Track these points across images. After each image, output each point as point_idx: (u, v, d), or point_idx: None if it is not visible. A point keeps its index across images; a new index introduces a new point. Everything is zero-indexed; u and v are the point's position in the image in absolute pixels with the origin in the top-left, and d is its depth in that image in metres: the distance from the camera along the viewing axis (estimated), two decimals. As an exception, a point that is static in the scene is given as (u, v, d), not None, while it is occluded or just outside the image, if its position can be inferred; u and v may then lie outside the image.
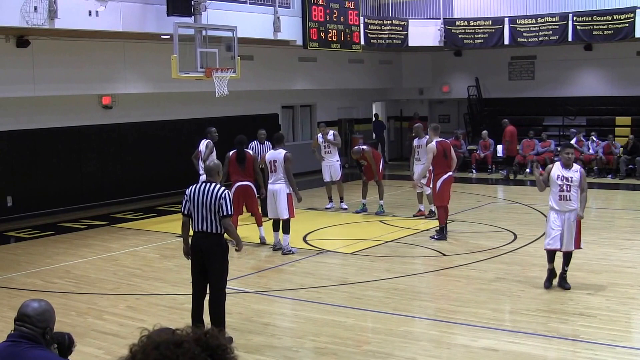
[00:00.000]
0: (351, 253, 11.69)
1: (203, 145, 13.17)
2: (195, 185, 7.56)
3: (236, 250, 7.87)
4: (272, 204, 11.73)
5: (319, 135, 16.02)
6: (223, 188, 7.50)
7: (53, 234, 13.92)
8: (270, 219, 12.00)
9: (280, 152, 11.66)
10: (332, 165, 15.68)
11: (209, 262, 7.44)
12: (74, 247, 12.71)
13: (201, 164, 12.97)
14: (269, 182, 11.82)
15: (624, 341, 7.36)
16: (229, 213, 7.35)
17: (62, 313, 8.32)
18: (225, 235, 7.57)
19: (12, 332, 3.74)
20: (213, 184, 7.48)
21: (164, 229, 13.89)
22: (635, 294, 8.97)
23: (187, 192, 7.54)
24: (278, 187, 11.61)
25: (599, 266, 10.36)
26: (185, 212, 7.54)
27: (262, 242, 12.30)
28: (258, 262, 11.34)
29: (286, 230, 11.63)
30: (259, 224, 12.38)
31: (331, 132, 16.04)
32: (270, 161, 11.71)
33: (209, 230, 7.39)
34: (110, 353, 7.30)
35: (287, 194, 11.60)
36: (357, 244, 12.36)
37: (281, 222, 11.65)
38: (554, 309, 8.35)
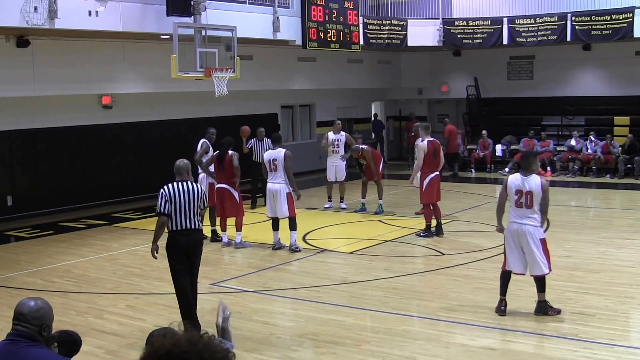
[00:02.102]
0: (350, 252, 11.72)
1: (199, 144, 13.15)
2: (172, 185, 7.69)
3: None
4: (271, 203, 11.76)
5: (330, 132, 15.88)
6: (198, 185, 7.91)
7: (53, 234, 13.94)
8: (269, 219, 12.03)
9: (280, 151, 11.70)
10: (338, 165, 15.63)
11: (194, 258, 7.80)
12: (74, 246, 12.74)
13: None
14: (269, 180, 11.84)
15: (622, 340, 7.39)
16: (208, 203, 7.88)
17: (62, 312, 8.36)
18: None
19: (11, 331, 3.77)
20: (190, 182, 7.76)
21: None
22: (634, 293, 9.00)
23: (165, 192, 7.65)
24: (278, 187, 11.64)
25: (598, 265, 10.40)
26: (165, 212, 7.64)
27: (224, 244, 12.28)
28: (257, 261, 11.36)
29: (293, 227, 11.68)
30: (238, 228, 12.14)
31: (343, 132, 15.95)
32: (270, 160, 11.74)
33: (194, 227, 7.68)
34: (110, 352, 7.34)
35: (287, 193, 11.64)
36: (356, 243, 12.39)
37: (288, 220, 11.67)
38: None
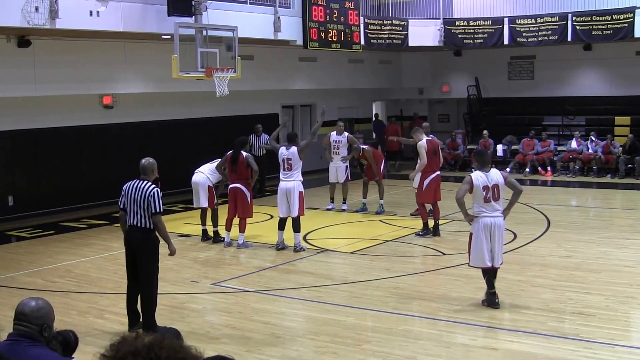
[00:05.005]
0: (351, 252, 11.72)
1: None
2: (130, 182, 7.95)
3: (168, 254, 8.09)
4: (283, 201, 11.75)
5: (333, 132, 15.80)
6: (153, 186, 7.85)
7: (54, 234, 13.95)
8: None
9: (293, 149, 11.71)
10: (339, 166, 15.58)
11: (138, 255, 7.87)
12: (75, 246, 12.75)
13: (214, 170, 12.73)
14: (282, 179, 11.81)
15: (623, 340, 7.39)
16: (158, 210, 7.75)
17: (63, 312, 8.36)
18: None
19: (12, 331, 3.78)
20: (145, 182, 7.86)
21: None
22: (634, 293, 8.99)
23: (123, 188, 7.98)
24: (292, 185, 11.66)
25: (598, 265, 10.40)
26: (121, 207, 7.98)
27: (226, 244, 12.28)
28: (259, 261, 11.36)
29: (297, 229, 11.70)
30: (241, 229, 12.13)
31: (345, 133, 15.83)
32: (284, 159, 11.75)
33: (139, 225, 7.81)
34: (112, 352, 7.33)
35: (300, 192, 11.66)
36: (357, 243, 12.39)
37: (292, 220, 11.69)
38: (553, 308, 8.39)
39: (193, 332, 7.82)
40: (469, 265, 8.78)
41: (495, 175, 8.47)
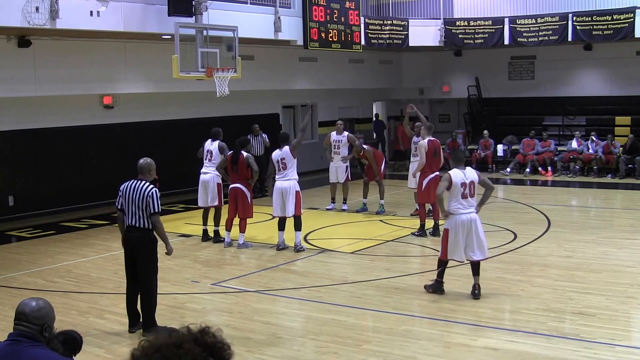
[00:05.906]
0: (352, 252, 11.72)
1: (215, 147, 12.80)
2: (126, 183, 7.96)
3: (166, 253, 8.09)
4: (279, 201, 11.75)
5: (333, 132, 15.78)
6: (151, 186, 7.84)
7: (54, 234, 13.95)
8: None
9: (285, 149, 11.72)
10: (339, 166, 15.57)
11: (137, 255, 7.88)
12: (75, 246, 12.75)
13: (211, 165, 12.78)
14: (277, 179, 11.81)
15: (623, 340, 7.39)
16: (156, 210, 7.77)
17: (63, 312, 8.37)
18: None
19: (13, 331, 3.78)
20: (142, 182, 7.87)
21: (164, 228, 13.88)
22: (635, 293, 9.00)
23: (120, 188, 7.99)
24: (287, 185, 11.66)
25: (599, 265, 10.40)
26: (119, 207, 8.00)
27: (226, 244, 12.30)
28: (259, 261, 11.37)
29: (297, 227, 11.72)
30: (241, 229, 12.13)
31: (345, 132, 15.76)
32: (278, 160, 11.76)
33: (137, 225, 7.83)
34: (112, 352, 7.35)
35: (296, 191, 11.68)
36: (357, 243, 12.39)
37: (293, 219, 11.70)
38: (553, 308, 8.39)
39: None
40: (439, 259, 9.07)
41: (471, 172, 8.89)
